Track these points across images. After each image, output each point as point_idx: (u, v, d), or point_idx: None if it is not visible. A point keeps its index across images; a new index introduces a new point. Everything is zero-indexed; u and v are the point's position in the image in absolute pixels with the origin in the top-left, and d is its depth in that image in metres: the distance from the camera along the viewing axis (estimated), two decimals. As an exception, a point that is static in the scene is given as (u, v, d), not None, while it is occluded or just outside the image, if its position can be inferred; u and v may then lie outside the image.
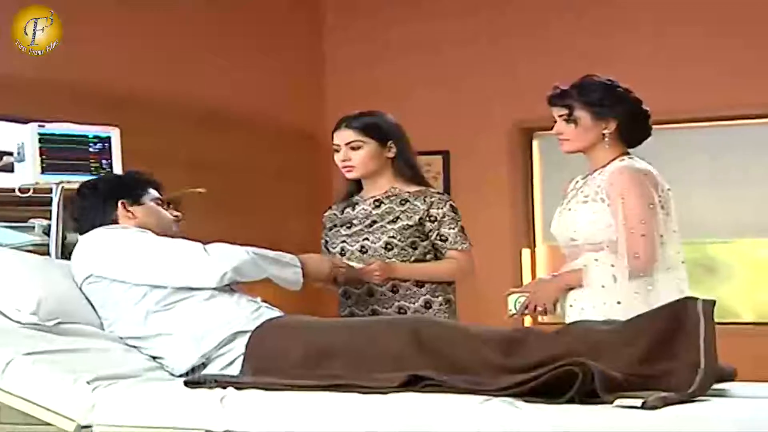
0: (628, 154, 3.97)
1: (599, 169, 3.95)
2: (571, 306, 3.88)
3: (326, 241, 4.27)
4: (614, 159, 3.93)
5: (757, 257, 7.31)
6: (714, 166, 7.10)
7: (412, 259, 4.09)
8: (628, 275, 3.77)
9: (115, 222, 3.76)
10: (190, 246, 3.59)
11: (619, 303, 3.73)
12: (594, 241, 3.86)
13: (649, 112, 3.99)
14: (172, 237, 3.72)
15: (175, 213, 3.85)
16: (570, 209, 3.97)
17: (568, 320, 3.78)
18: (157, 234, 3.70)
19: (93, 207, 3.81)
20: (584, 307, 3.83)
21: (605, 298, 3.78)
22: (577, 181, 4.08)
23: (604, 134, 3.92)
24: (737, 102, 6.98)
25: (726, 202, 7.10)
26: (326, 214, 4.33)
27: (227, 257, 3.55)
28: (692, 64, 7.10)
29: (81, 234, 3.82)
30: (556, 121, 3.99)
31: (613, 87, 3.95)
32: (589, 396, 2.90)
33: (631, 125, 3.95)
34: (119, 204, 3.76)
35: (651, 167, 3.94)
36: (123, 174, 3.94)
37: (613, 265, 3.79)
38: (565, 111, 3.94)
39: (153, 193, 3.86)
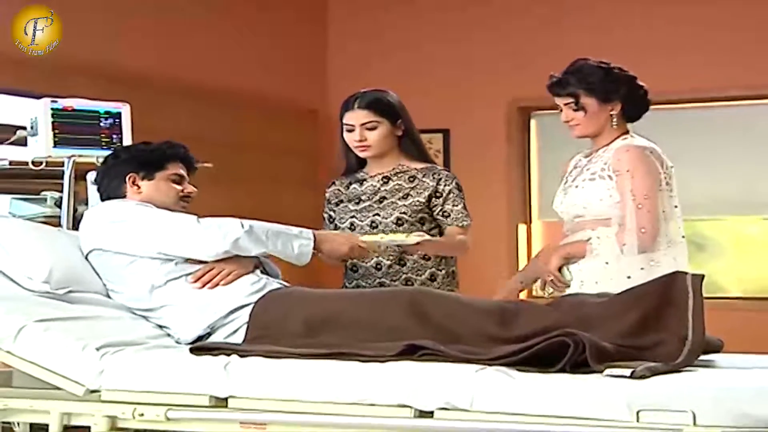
0: (628, 132, 4.01)
1: (603, 147, 3.98)
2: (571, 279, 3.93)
3: (330, 216, 4.25)
4: (617, 137, 3.97)
5: (744, 234, 7.38)
6: (701, 146, 7.12)
7: (421, 234, 4.07)
8: (636, 249, 3.80)
9: (124, 195, 3.77)
10: (185, 219, 3.58)
11: (629, 278, 3.75)
12: (603, 217, 3.89)
13: (645, 86, 4.03)
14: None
15: (189, 190, 3.81)
16: (576, 186, 3.99)
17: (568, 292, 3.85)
18: (158, 207, 3.69)
19: (107, 176, 3.82)
20: (584, 280, 3.89)
21: (611, 274, 3.82)
22: (580, 160, 4.10)
23: (611, 116, 3.96)
24: (725, 83, 7.01)
25: (713, 181, 7.13)
26: (330, 189, 4.30)
27: (222, 232, 3.53)
28: (680, 44, 7.12)
29: (101, 199, 3.84)
30: (560, 109, 3.99)
31: (610, 69, 3.97)
32: (580, 366, 2.95)
33: (633, 103, 3.99)
34: (127, 178, 3.77)
35: (655, 145, 3.97)
36: (151, 147, 3.84)
37: (624, 243, 3.83)
38: (570, 100, 3.95)
39: (172, 168, 3.80)
